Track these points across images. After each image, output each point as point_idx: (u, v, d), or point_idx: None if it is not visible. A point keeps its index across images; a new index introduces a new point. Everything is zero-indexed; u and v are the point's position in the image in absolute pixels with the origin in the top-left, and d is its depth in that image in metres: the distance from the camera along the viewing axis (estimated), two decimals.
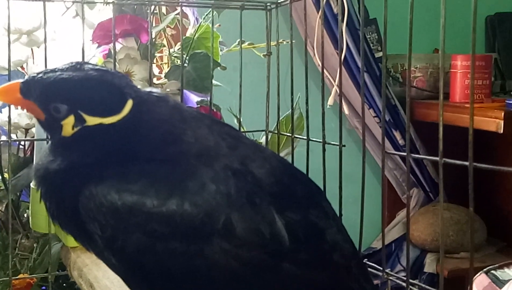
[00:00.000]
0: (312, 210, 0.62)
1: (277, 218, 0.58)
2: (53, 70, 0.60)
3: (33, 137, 1.20)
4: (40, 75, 0.60)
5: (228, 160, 0.59)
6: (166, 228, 0.55)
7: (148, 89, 0.63)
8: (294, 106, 1.01)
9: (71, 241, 0.87)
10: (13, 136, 1.22)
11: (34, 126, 1.21)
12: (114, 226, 0.55)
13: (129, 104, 0.59)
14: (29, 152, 1.23)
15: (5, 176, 1.17)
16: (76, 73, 0.59)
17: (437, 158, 0.64)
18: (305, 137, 0.92)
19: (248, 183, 0.58)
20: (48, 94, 0.59)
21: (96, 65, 0.62)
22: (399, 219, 2.08)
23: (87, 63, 0.62)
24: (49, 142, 0.65)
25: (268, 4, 1.03)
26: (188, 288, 0.57)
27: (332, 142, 0.85)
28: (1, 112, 1.25)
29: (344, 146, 0.82)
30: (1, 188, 1.16)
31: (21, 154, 1.22)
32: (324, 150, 0.86)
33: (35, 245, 1.09)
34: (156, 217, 0.55)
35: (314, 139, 0.90)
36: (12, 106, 1.26)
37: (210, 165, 0.58)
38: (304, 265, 0.58)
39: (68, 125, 0.59)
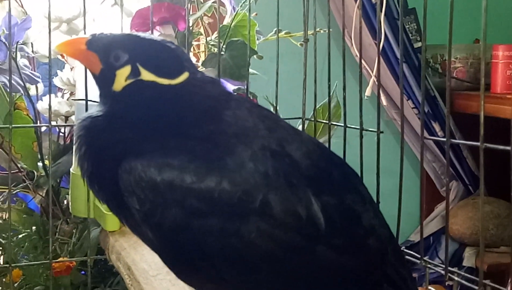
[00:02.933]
0: (348, 194, 0.61)
1: (314, 200, 0.57)
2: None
3: (73, 124, 1.22)
4: (110, 33, 0.63)
5: (266, 141, 0.59)
6: (203, 204, 0.55)
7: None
8: (331, 93, 1.00)
9: (110, 225, 0.88)
10: (54, 124, 1.24)
11: (73, 114, 1.23)
12: (152, 201, 0.56)
13: (185, 75, 0.61)
14: (68, 140, 1.25)
15: (45, 163, 1.19)
16: (144, 35, 0.64)
17: (478, 143, 0.63)
18: (342, 124, 0.91)
19: (286, 165, 0.58)
20: (113, 43, 0.62)
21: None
22: (438, 212, 2.05)
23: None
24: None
25: None
26: (223, 265, 0.57)
27: (370, 129, 0.84)
28: (41, 100, 1.27)
29: (382, 132, 0.81)
30: (42, 174, 1.18)
31: (61, 142, 1.24)
32: (361, 136, 0.85)
33: (74, 230, 1.11)
34: (194, 193, 0.55)
35: (351, 126, 0.89)
36: (53, 95, 1.29)
37: (248, 144, 0.58)
38: (339, 249, 0.58)
39: (122, 76, 0.61)
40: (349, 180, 0.64)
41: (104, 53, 0.62)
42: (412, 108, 1.90)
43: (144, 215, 0.57)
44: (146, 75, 0.60)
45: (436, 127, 1.91)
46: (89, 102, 0.90)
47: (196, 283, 0.62)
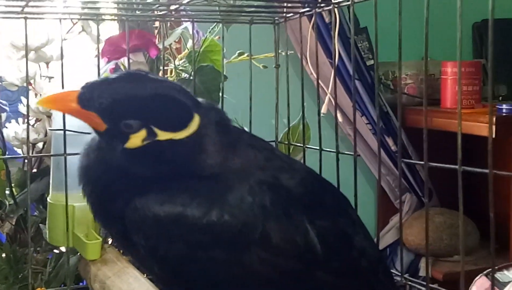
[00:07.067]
0: (340, 217, 0.65)
1: (310, 228, 0.60)
2: (113, 81, 0.59)
3: (40, 152, 1.21)
4: (102, 86, 0.58)
5: (262, 174, 0.62)
6: (207, 238, 0.58)
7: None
8: (304, 116, 1.04)
9: (91, 254, 0.88)
10: (19, 151, 1.23)
11: (40, 141, 1.22)
12: (157, 237, 0.58)
13: (196, 119, 0.60)
14: (35, 168, 1.23)
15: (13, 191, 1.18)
16: (138, 85, 0.59)
17: (456, 167, 0.67)
18: (318, 148, 0.94)
19: (282, 196, 0.61)
20: (118, 110, 0.58)
21: (152, 77, 0.61)
22: (393, 224, 2.10)
23: (140, 73, 0.61)
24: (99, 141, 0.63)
25: (276, 18, 1.06)
26: None
27: (346, 152, 0.88)
28: (6, 127, 1.25)
29: (359, 155, 0.84)
30: (10, 203, 1.17)
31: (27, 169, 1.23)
32: (337, 159, 0.89)
33: (47, 258, 1.09)
34: (197, 228, 0.57)
35: (327, 149, 0.92)
36: (20, 120, 1.27)
37: (247, 179, 0.60)
38: (336, 272, 0.61)
39: (138, 138, 0.59)
40: (340, 204, 0.67)
41: (109, 118, 0.59)
42: (366, 124, 1.95)
43: (150, 250, 0.59)
44: (163, 135, 0.59)
45: (389, 141, 1.97)
46: (67, 132, 0.90)
47: None
